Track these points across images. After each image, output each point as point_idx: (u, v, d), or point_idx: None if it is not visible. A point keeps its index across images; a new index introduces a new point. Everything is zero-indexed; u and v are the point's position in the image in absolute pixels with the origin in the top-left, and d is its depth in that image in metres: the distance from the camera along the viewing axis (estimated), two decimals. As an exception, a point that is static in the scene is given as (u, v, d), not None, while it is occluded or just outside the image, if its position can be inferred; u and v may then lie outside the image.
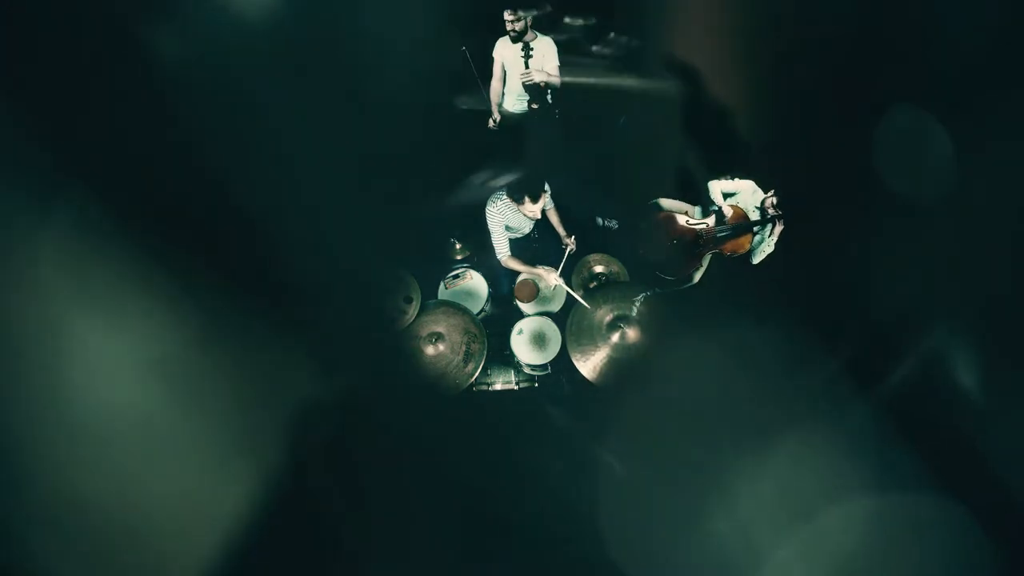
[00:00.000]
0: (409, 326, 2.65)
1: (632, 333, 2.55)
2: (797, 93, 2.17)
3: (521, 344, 2.77)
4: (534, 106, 3.23)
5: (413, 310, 2.67)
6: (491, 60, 3.17)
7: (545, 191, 2.73)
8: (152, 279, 1.47)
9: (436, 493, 2.24)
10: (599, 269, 2.95)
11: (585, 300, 2.70)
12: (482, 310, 2.90)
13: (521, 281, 2.92)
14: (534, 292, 2.91)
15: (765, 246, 2.18)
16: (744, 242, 2.16)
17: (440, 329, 2.63)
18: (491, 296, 2.97)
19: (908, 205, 1.74)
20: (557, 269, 2.82)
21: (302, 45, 1.96)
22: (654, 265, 2.38)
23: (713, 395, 2.07)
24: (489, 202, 2.72)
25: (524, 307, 2.91)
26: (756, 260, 2.23)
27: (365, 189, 2.42)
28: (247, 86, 1.70)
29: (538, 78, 3.06)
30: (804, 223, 2.15)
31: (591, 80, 2.89)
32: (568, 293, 2.80)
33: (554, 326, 2.80)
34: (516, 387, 2.83)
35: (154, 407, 1.53)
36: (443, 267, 3.07)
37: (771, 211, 2.16)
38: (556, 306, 2.90)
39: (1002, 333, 1.64)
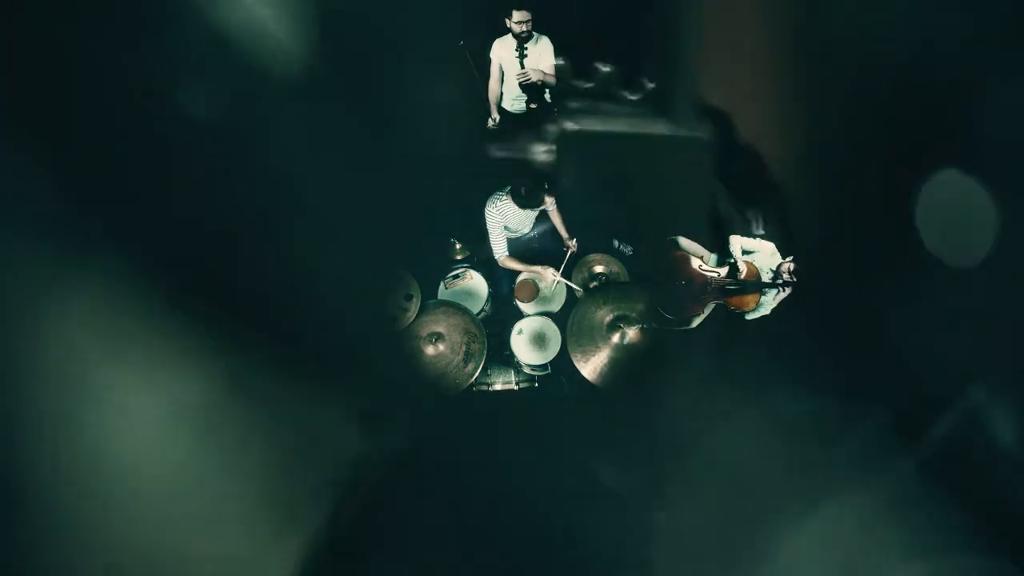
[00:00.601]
0: (409, 326, 2.65)
1: (632, 333, 2.55)
2: (836, 149, 2.14)
3: (521, 344, 2.78)
4: (532, 106, 3.23)
5: (414, 308, 2.68)
6: (488, 61, 3.17)
7: (546, 189, 2.74)
8: (179, 328, 1.48)
9: (440, 496, 2.24)
10: (599, 269, 2.95)
11: (584, 300, 2.71)
12: (482, 310, 2.91)
13: (521, 281, 2.93)
14: (534, 292, 2.91)
15: (764, 308, 2.19)
16: (751, 300, 2.15)
17: (440, 329, 2.64)
18: (491, 296, 2.98)
19: (948, 265, 1.72)
20: (559, 270, 2.83)
21: (300, 45, 1.97)
22: (656, 299, 2.38)
23: (753, 460, 2.05)
24: (489, 202, 2.72)
25: (524, 307, 2.91)
26: (749, 317, 2.24)
27: (364, 189, 2.42)
28: (247, 92, 1.71)
29: (535, 77, 3.07)
30: (843, 280, 2.13)
31: (622, 128, 2.90)
32: (567, 286, 2.80)
33: (554, 326, 2.81)
34: (516, 387, 2.84)
35: (183, 460, 1.53)
36: (443, 267, 3.07)
37: (785, 276, 2.15)
38: (556, 306, 2.90)
39: None
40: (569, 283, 2.81)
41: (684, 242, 2.34)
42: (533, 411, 2.85)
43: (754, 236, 2.26)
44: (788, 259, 2.17)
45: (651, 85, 2.84)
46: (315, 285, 2.08)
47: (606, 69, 2.89)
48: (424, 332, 2.63)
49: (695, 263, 2.23)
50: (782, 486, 1.97)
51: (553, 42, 3.10)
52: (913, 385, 1.91)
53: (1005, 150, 1.58)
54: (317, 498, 1.83)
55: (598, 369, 2.54)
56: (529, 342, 2.78)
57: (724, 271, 2.19)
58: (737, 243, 2.23)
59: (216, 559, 1.57)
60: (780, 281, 2.15)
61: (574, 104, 2.97)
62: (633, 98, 2.81)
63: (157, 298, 1.44)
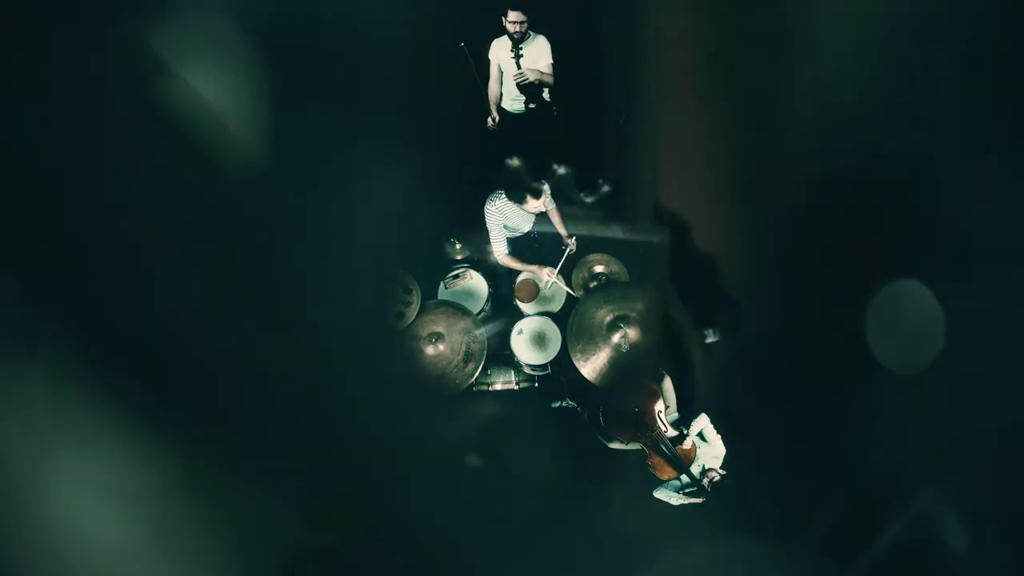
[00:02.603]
0: (409, 326, 2.65)
1: (632, 333, 2.55)
2: (789, 256, 2.15)
3: (521, 344, 2.78)
4: (531, 105, 3.24)
5: (415, 303, 2.68)
6: (487, 62, 3.17)
7: (545, 188, 2.74)
8: (132, 410, 1.46)
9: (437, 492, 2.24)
10: (599, 269, 2.95)
11: (584, 300, 2.71)
12: (482, 310, 2.91)
13: (521, 281, 2.93)
14: (534, 292, 2.91)
15: (670, 495, 2.20)
16: (669, 472, 2.17)
17: (440, 329, 2.64)
18: (491, 296, 2.98)
19: (895, 373, 1.74)
20: (556, 268, 2.83)
21: (296, 41, 1.96)
22: (607, 401, 2.43)
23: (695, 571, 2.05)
24: (488, 201, 2.73)
25: (524, 307, 2.91)
26: (655, 492, 2.27)
27: (364, 189, 2.42)
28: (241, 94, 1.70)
29: (532, 77, 3.07)
30: (792, 387, 2.16)
31: (580, 230, 2.95)
32: (566, 291, 2.81)
33: (554, 326, 2.81)
34: (516, 387, 2.84)
35: (128, 544, 1.51)
36: (443, 267, 3.07)
37: (705, 480, 2.15)
38: (556, 306, 2.90)
39: (995, 497, 1.62)
40: (566, 287, 2.81)
41: (667, 384, 2.38)
42: (533, 411, 2.85)
43: (719, 432, 2.25)
44: (721, 471, 2.17)
45: (605, 187, 2.90)
46: (315, 284, 2.08)
47: (561, 171, 2.94)
48: (424, 332, 2.63)
49: (659, 406, 2.26)
50: None
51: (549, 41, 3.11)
52: (863, 492, 1.93)
53: (951, 253, 1.60)
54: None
55: (598, 369, 2.54)
56: (529, 342, 2.78)
57: (672, 432, 2.22)
58: (702, 423, 2.26)
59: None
60: (699, 479, 2.15)
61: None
62: (588, 200, 2.86)
63: (110, 374, 1.43)
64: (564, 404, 2.60)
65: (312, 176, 2.07)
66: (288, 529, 1.85)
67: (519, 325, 2.83)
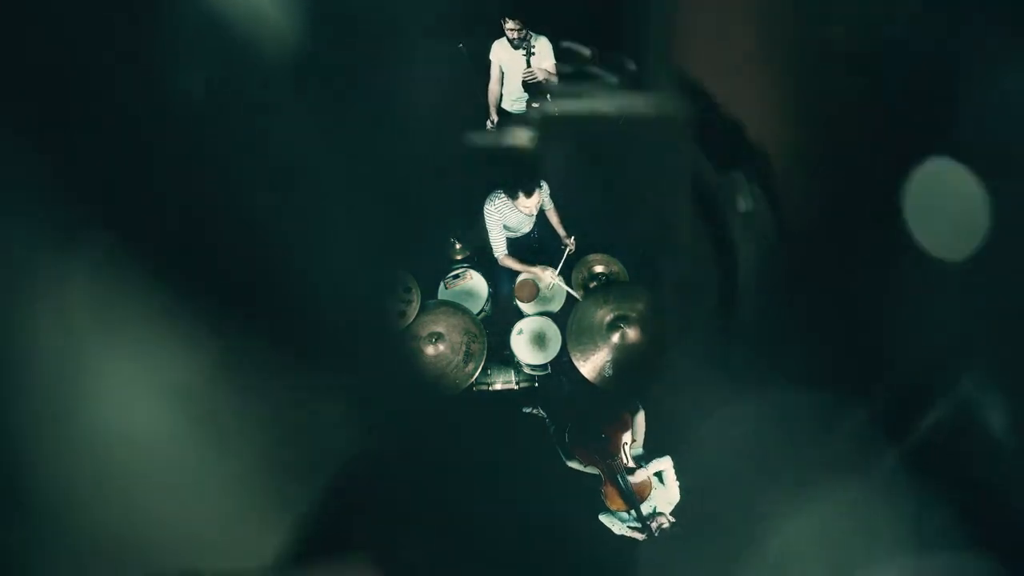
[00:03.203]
0: (409, 326, 2.66)
1: (632, 333, 2.55)
2: (823, 133, 2.11)
3: (521, 344, 2.78)
4: (534, 105, 3.24)
5: (415, 301, 2.68)
6: (488, 63, 3.19)
7: (540, 187, 2.75)
8: (173, 316, 1.48)
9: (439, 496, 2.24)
10: (599, 269, 2.95)
11: (584, 300, 2.71)
12: (482, 310, 2.91)
13: (521, 281, 2.93)
14: (534, 292, 2.91)
15: (615, 523, 2.20)
16: (619, 504, 2.16)
17: (440, 329, 2.64)
18: (491, 296, 2.98)
19: (936, 258, 1.71)
20: (556, 268, 2.83)
21: (298, 43, 1.97)
22: (577, 420, 2.44)
23: (740, 454, 2.04)
24: (487, 201, 2.73)
25: (524, 307, 2.91)
26: (601, 515, 2.27)
27: (363, 189, 2.43)
28: (246, 91, 1.71)
29: (541, 76, 3.09)
30: (830, 271, 2.11)
31: (604, 109, 2.90)
32: (567, 291, 2.81)
33: (554, 326, 2.81)
34: (516, 387, 2.84)
35: (173, 444, 1.53)
36: (443, 267, 3.08)
37: (653, 524, 2.14)
38: (556, 306, 2.90)
39: None
40: (568, 288, 2.80)
41: (639, 417, 2.38)
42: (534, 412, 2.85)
43: (678, 478, 2.23)
44: (671, 519, 2.16)
45: (632, 66, 2.84)
46: (314, 285, 2.09)
47: (586, 52, 2.90)
48: (424, 332, 2.63)
49: (626, 437, 2.27)
50: (770, 481, 1.97)
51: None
52: (902, 378, 1.91)
53: (998, 143, 1.57)
54: (307, 486, 1.83)
55: (598, 369, 2.54)
56: (529, 342, 2.78)
57: (631, 464, 2.22)
58: (664, 465, 2.25)
59: (204, 543, 1.57)
60: (646, 520, 2.14)
61: (557, 88, 3.01)
62: (614, 79, 2.81)
63: (151, 288, 1.44)
64: (535, 412, 2.60)
65: (311, 176, 2.08)
66: (330, 428, 1.87)
67: (519, 325, 2.82)
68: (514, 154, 3.10)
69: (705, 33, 2.40)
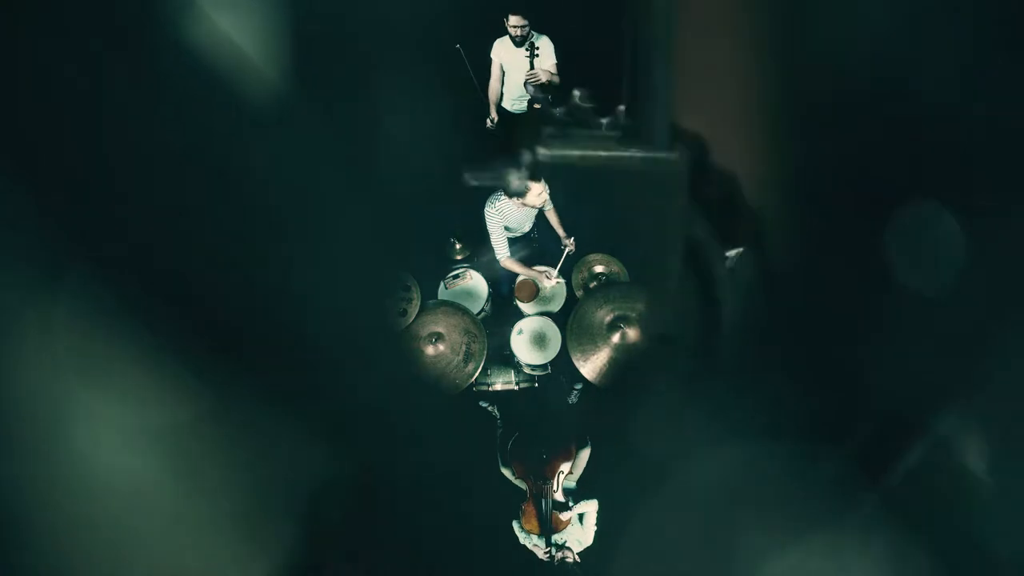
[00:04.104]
0: (409, 326, 2.66)
1: (632, 333, 2.56)
2: (813, 176, 2.14)
3: (521, 344, 2.78)
4: (536, 106, 3.24)
5: (415, 298, 2.68)
6: (490, 61, 3.18)
7: (540, 179, 2.74)
8: (158, 346, 1.48)
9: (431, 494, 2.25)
10: (599, 269, 2.96)
11: (584, 300, 2.71)
12: (482, 310, 2.91)
13: (521, 281, 2.93)
14: (534, 292, 2.92)
15: (523, 536, 2.23)
16: (532, 526, 2.18)
17: (440, 329, 2.64)
18: (491, 296, 2.98)
19: (915, 293, 1.73)
20: (556, 269, 2.84)
21: (297, 45, 1.97)
22: (525, 430, 2.46)
23: (717, 493, 2.06)
24: (488, 202, 2.73)
25: (524, 307, 2.92)
26: (516, 523, 2.30)
27: (363, 189, 2.42)
28: (240, 94, 1.70)
29: (544, 78, 3.08)
30: (814, 308, 2.14)
31: (595, 153, 2.92)
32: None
33: (554, 326, 2.81)
34: (516, 387, 2.84)
35: (156, 478, 1.53)
36: (443, 267, 3.08)
37: (556, 555, 2.16)
38: (556, 306, 2.91)
39: (1016, 415, 1.62)
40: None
41: (584, 453, 2.40)
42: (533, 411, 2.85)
43: (597, 524, 2.24)
44: (577, 558, 2.18)
45: (622, 108, 2.86)
46: (314, 284, 2.09)
47: (577, 93, 2.92)
48: (424, 332, 2.63)
49: (565, 466, 2.29)
50: (746, 525, 1.98)
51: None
52: (879, 420, 1.93)
53: (983, 178, 1.60)
54: (290, 516, 1.84)
55: (598, 369, 2.54)
56: (529, 342, 2.78)
57: (559, 497, 2.23)
58: (589, 508, 2.26)
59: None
60: (551, 550, 2.16)
61: (547, 131, 3.02)
62: (604, 122, 2.85)
63: (136, 312, 1.44)
64: (490, 410, 2.60)
65: (309, 175, 2.07)
66: (312, 463, 1.87)
67: (519, 325, 2.83)
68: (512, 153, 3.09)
69: (699, 87, 2.42)
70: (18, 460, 1.29)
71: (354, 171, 2.39)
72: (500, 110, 3.36)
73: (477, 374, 2.59)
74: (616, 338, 2.56)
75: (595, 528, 2.23)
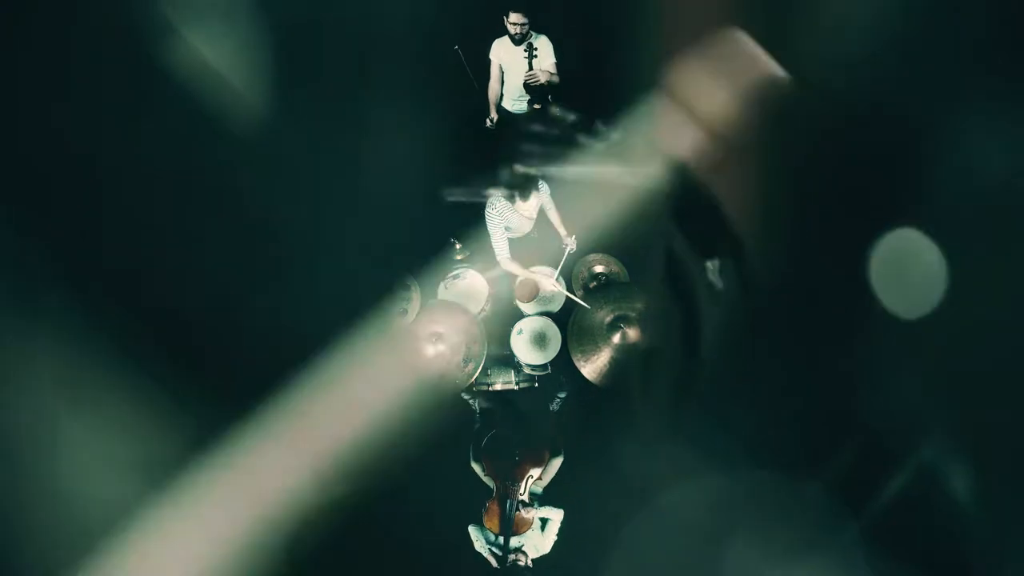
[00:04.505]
0: (409, 326, 2.65)
1: (632, 333, 2.56)
2: (793, 201, 2.15)
3: (521, 344, 2.78)
4: (536, 106, 3.23)
5: (415, 300, 2.68)
6: (488, 61, 3.17)
7: (539, 189, 2.74)
8: (143, 381, 1.48)
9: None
10: (599, 269, 2.95)
11: (585, 301, 2.71)
12: (482, 310, 2.90)
13: (521, 281, 2.93)
14: (534, 292, 2.91)
15: (480, 538, 2.24)
16: (493, 525, 2.20)
17: (440, 329, 2.64)
18: (491, 296, 2.98)
19: (899, 319, 1.74)
20: (556, 268, 2.83)
21: (294, 43, 1.97)
22: (502, 428, 2.49)
23: (700, 511, 2.06)
24: (488, 204, 2.72)
25: (524, 307, 2.91)
26: (471, 527, 2.31)
27: (363, 189, 2.43)
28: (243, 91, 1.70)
29: (543, 78, 3.07)
30: (795, 335, 2.16)
31: (580, 172, 2.95)
32: (568, 297, 2.80)
33: (554, 326, 2.81)
34: (516, 387, 2.84)
35: (139, 507, 1.54)
36: (443, 267, 3.07)
37: (510, 557, 2.17)
38: (556, 306, 2.90)
39: (999, 447, 1.63)
40: (572, 296, 2.79)
41: (556, 461, 2.40)
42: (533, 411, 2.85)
43: (558, 536, 2.26)
44: (531, 564, 2.19)
45: (603, 127, 2.89)
46: (314, 285, 2.09)
47: (556, 110, 2.95)
48: (424, 332, 2.63)
49: (535, 471, 2.31)
50: (730, 552, 1.99)
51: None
52: (863, 445, 1.94)
53: (954, 205, 1.61)
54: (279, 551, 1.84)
55: (598, 369, 2.54)
56: (529, 342, 2.78)
57: (525, 497, 2.24)
58: (555, 516, 2.28)
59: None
60: (508, 551, 2.17)
61: (531, 149, 3.04)
62: (589, 140, 2.87)
63: (122, 347, 1.45)
64: (472, 403, 2.59)
65: (310, 175, 2.07)
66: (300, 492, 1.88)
67: (519, 325, 2.82)
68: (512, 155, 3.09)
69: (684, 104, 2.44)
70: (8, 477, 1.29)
71: (354, 172, 2.40)
72: (500, 110, 3.35)
73: (477, 374, 2.59)
74: (616, 338, 2.56)
75: (555, 538, 2.24)
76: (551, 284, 2.80)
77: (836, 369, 2.03)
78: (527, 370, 2.81)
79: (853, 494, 1.90)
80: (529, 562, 2.17)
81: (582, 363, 2.56)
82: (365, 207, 2.41)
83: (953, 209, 1.63)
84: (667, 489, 2.15)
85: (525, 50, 3.04)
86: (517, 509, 2.19)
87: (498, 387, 2.83)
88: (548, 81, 3.09)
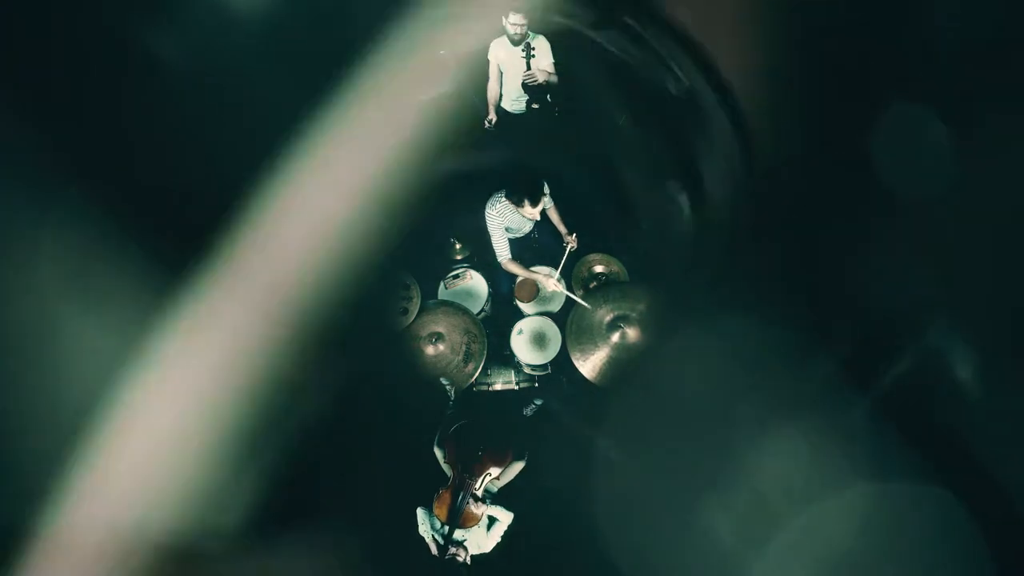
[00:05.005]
0: (409, 326, 2.67)
1: (632, 333, 2.56)
2: (794, 75, 2.12)
3: (521, 344, 2.79)
4: (534, 106, 3.24)
5: (415, 298, 2.69)
6: (487, 62, 3.18)
7: (544, 192, 2.75)
8: (147, 274, 1.49)
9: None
10: (599, 269, 2.96)
11: (585, 300, 2.71)
12: (482, 310, 2.92)
13: (521, 280, 2.94)
14: (534, 292, 2.92)
15: (425, 521, 2.25)
16: (441, 513, 2.21)
17: (440, 329, 2.65)
18: (491, 296, 2.99)
19: (906, 201, 1.73)
20: (557, 268, 2.84)
21: (293, 36, 1.98)
22: (472, 421, 2.49)
23: (708, 389, 2.07)
24: (489, 204, 2.72)
25: (524, 307, 2.92)
26: (420, 509, 2.32)
27: (364, 189, 2.44)
28: (242, 80, 1.72)
29: (541, 78, 3.08)
30: (799, 218, 2.14)
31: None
32: (568, 296, 2.81)
33: (554, 326, 2.81)
34: (516, 387, 2.85)
35: (146, 403, 1.55)
36: (443, 267, 3.09)
37: (450, 549, 2.17)
38: (556, 306, 2.91)
39: (1003, 328, 1.62)
40: (572, 295, 2.80)
41: (516, 465, 2.41)
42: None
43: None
44: (468, 561, 2.18)
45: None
46: (315, 286, 2.10)
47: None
48: (424, 332, 2.64)
49: (494, 470, 2.31)
50: (740, 416, 1.98)
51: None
52: (871, 322, 1.92)
53: (958, 81, 1.58)
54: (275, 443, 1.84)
55: (598, 369, 2.55)
56: (529, 342, 2.79)
57: (479, 492, 2.25)
58: (504, 518, 2.28)
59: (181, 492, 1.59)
60: (449, 541, 2.17)
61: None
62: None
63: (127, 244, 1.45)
64: (448, 388, 2.58)
65: (309, 175, 2.08)
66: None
67: (519, 325, 2.83)
68: (515, 159, 3.10)
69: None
70: (10, 385, 1.30)
71: (351, 171, 2.40)
72: (499, 111, 3.36)
73: (477, 374, 2.60)
74: (616, 337, 2.56)
75: (499, 540, 2.25)
76: (552, 284, 2.80)
77: (840, 258, 2.00)
78: (527, 370, 2.82)
79: (858, 377, 1.89)
80: (468, 559, 2.17)
81: (581, 362, 2.56)
82: (364, 207, 2.42)
83: (956, 75, 1.59)
84: (673, 363, 2.13)
85: (523, 50, 3.05)
86: (468, 502, 2.20)
87: (498, 387, 2.84)
88: (546, 81, 3.10)
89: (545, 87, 3.14)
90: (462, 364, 2.61)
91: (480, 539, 2.22)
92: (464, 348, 2.63)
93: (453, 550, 2.15)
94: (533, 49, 3.05)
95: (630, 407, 2.30)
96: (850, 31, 1.86)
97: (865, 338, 1.96)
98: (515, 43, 3.05)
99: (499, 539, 2.24)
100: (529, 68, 3.07)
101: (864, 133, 1.77)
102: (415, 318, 2.68)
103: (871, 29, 1.81)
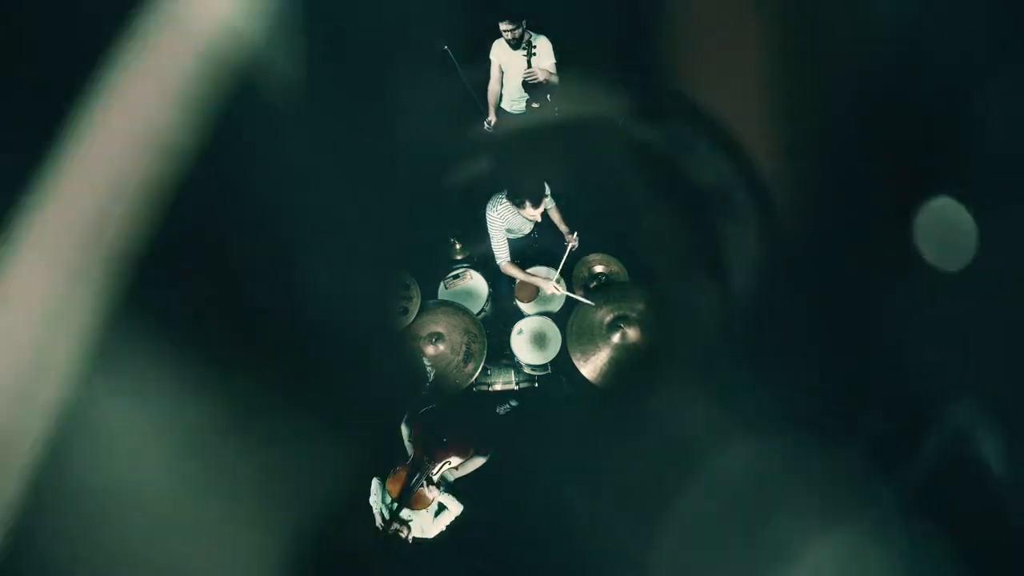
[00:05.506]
0: (409, 326, 2.65)
1: (632, 333, 2.56)
2: (835, 147, 2.10)
3: (521, 344, 2.78)
4: (534, 105, 3.23)
5: (415, 300, 2.67)
6: (488, 63, 3.17)
7: (546, 194, 2.74)
8: (174, 345, 1.48)
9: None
10: (599, 269, 2.95)
11: (587, 299, 2.71)
12: (482, 310, 2.91)
13: (521, 281, 2.93)
14: (534, 292, 2.91)
15: (376, 492, 2.25)
16: (394, 492, 2.21)
17: (440, 329, 2.64)
18: (491, 296, 2.98)
19: (935, 276, 1.72)
20: (557, 269, 2.83)
21: (297, 49, 1.97)
22: (445, 408, 2.50)
23: (736, 475, 2.05)
24: (489, 206, 2.71)
25: (524, 307, 2.91)
26: (375, 480, 2.31)
27: (363, 190, 2.42)
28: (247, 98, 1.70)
29: (541, 77, 3.08)
30: (828, 293, 2.14)
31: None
32: (568, 296, 2.80)
33: (554, 326, 2.81)
34: (516, 387, 2.84)
35: (172, 478, 1.54)
36: (443, 267, 3.07)
37: (393, 526, 2.18)
38: (556, 306, 2.90)
39: None
40: (573, 295, 2.79)
41: (477, 460, 2.42)
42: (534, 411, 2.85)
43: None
44: (410, 539, 2.20)
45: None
46: (315, 286, 2.09)
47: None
48: (424, 332, 2.63)
49: (455, 460, 2.32)
50: (769, 507, 1.98)
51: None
52: (902, 400, 1.91)
53: (997, 160, 1.58)
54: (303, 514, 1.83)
55: (598, 369, 2.54)
56: (529, 342, 2.78)
57: (435, 478, 2.25)
58: (453, 507, 2.30)
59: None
60: (394, 519, 2.18)
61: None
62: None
63: (151, 312, 1.44)
64: (429, 370, 2.57)
65: (310, 175, 2.07)
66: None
67: (519, 325, 2.82)
68: (515, 158, 3.09)
69: (708, 48, 2.41)
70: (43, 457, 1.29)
71: (354, 172, 2.39)
72: (498, 111, 3.35)
73: (477, 374, 2.59)
74: (616, 338, 2.56)
75: (443, 529, 2.27)
76: (551, 287, 2.79)
77: (867, 334, 2.00)
78: (527, 370, 2.81)
79: (886, 460, 1.88)
80: (410, 538, 2.19)
81: (582, 363, 2.56)
82: (364, 207, 2.41)
83: (988, 165, 1.59)
84: (701, 451, 2.13)
85: (524, 49, 3.05)
86: (422, 484, 2.20)
87: (498, 387, 2.83)
88: (547, 80, 3.09)
89: (545, 86, 3.14)
90: (462, 364, 2.59)
91: (426, 523, 2.24)
92: (464, 348, 2.62)
93: (396, 527, 2.16)
94: (535, 48, 3.04)
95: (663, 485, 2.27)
96: (892, 95, 1.85)
97: (893, 420, 1.94)
98: (513, 48, 3.05)
99: (444, 528, 2.26)
100: (530, 66, 3.07)
101: (903, 204, 1.77)
102: (415, 318, 2.67)
103: (911, 97, 1.80)
